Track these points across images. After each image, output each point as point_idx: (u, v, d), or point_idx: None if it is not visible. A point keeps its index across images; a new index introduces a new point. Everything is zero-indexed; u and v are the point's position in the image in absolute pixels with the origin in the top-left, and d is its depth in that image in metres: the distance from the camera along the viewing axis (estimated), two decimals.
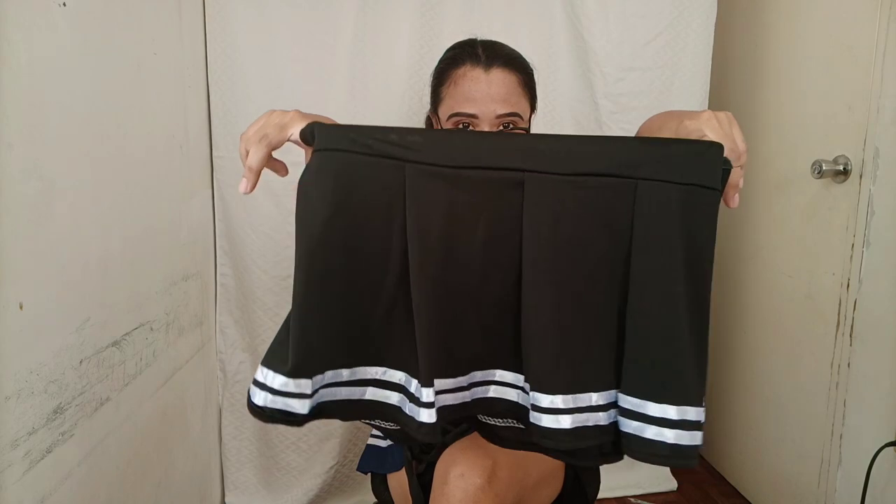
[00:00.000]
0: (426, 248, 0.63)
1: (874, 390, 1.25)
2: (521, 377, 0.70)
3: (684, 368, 0.61)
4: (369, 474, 1.09)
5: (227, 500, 1.55)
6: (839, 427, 1.32)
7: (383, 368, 0.69)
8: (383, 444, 1.06)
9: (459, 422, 0.84)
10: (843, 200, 1.31)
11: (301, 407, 0.65)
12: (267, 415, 0.66)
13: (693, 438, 0.61)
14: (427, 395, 0.65)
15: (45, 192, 0.79)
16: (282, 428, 1.53)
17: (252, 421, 1.54)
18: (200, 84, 1.37)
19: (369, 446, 1.09)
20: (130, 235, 1.02)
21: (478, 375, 0.71)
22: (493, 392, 0.72)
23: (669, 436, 0.61)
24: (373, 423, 0.74)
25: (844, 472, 1.31)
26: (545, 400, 0.65)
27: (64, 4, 0.82)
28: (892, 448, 1.19)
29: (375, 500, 1.10)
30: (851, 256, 1.29)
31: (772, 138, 1.55)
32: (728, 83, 1.70)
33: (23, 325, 0.74)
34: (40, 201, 0.78)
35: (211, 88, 1.39)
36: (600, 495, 1.09)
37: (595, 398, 0.65)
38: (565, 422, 0.64)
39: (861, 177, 1.26)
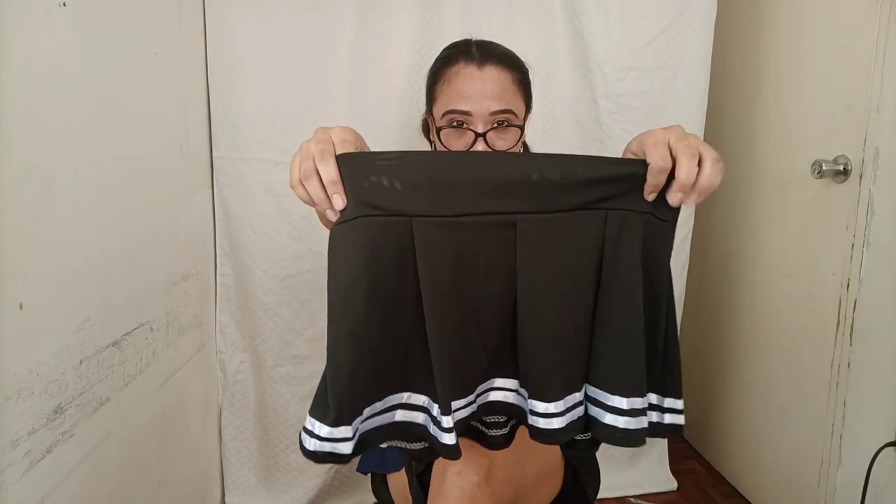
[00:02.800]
0: (436, 288, 0.70)
1: (874, 390, 1.25)
2: (517, 382, 0.78)
3: (638, 365, 0.72)
4: (369, 474, 1.09)
5: (227, 500, 1.55)
6: (839, 427, 1.32)
7: (408, 393, 0.75)
8: (383, 444, 1.06)
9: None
10: (843, 200, 1.31)
11: (346, 448, 0.70)
12: (318, 458, 0.72)
13: (640, 423, 0.71)
14: (447, 421, 0.71)
15: (45, 192, 0.79)
16: (282, 428, 1.53)
17: (252, 421, 1.54)
18: (200, 84, 1.37)
19: None
20: (130, 235, 1.02)
21: (482, 387, 0.77)
22: (494, 396, 0.78)
23: (621, 422, 0.72)
24: (404, 447, 0.79)
25: (844, 472, 1.31)
26: (541, 406, 0.73)
27: (64, 4, 0.82)
28: (892, 448, 1.19)
29: (375, 500, 1.10)
30: (851, 256, 1.29)
31: (772, 138, 1.55)
32: (728, 83, 1.70)
33: (23, 325, 0.74)
34: (40, 201, 0.78)
35: (211, 88, 1.39)
36: (600, 495, 1.09)
37: (578, 396, 0.75)
38: (558, 423, 0.73)
39: (861, 177, 1.26)
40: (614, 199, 0.71)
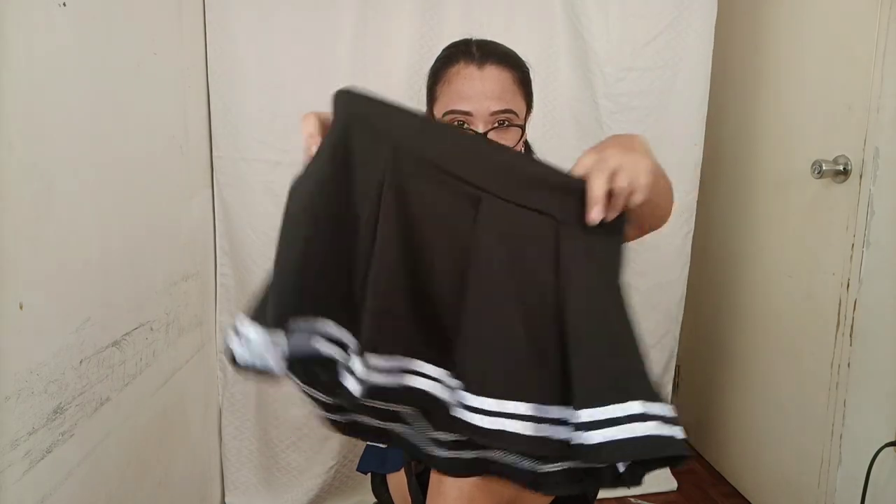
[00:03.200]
0: (395, 229, 0.70)
1: (874, 390, 1.25)
2: (444, 372, 0.73)
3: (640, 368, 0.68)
4: (369, 474, 1.09)
5: (227, 500, 1.55)
6: (839, 427, 1.32)
7: (332, 322, 0.72)
8: (383, 444, 1.06)
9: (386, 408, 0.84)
10: (843, 200, 1.31)
11: (275, 363, 0.70)
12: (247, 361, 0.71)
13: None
14: (359, 365, 0.68)
15: (45, 192, 0.79)
16: (282, 428, 1.53)
17: (252, 421, 1.54)
18: (200, 84, 1.37)
19: (369, 446, 1.09)
20: (130, 235, 1.02)
21: (406, 363, 0.73)
22: (416, 382, 0.73)
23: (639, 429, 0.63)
24: (307, 390, 0.77)
25: (844, 472, 1.31)
26: (475, 401, 0.67)
27: (64, 4, 0.82)
28: (892, 448, 1.19)
29: (375, 500, 1.10)
30: (851, 256, 1.29)
31: (772, 138, 1.55)
32: (728, 83, 1.70)
33: (23, 325, 0.74)
34: (40, 201, 0.78)
35: (211, 88, 1.39)
36: (600, 495, 1.09)
37: (523, 408, 0.67)
38: (485, 422, 0.67)
39: (861, 177, 1.26)
40: (564, 215, 0.70)
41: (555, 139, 1.51)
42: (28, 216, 0.76)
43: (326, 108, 0.70)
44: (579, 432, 0.64)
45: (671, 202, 0.91)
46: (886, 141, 1.21)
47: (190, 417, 1.34)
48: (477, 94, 0.91)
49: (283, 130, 1.41)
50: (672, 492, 1.69)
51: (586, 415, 0.64)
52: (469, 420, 0.67)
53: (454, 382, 0.71)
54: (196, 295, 1.35)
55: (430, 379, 0.73)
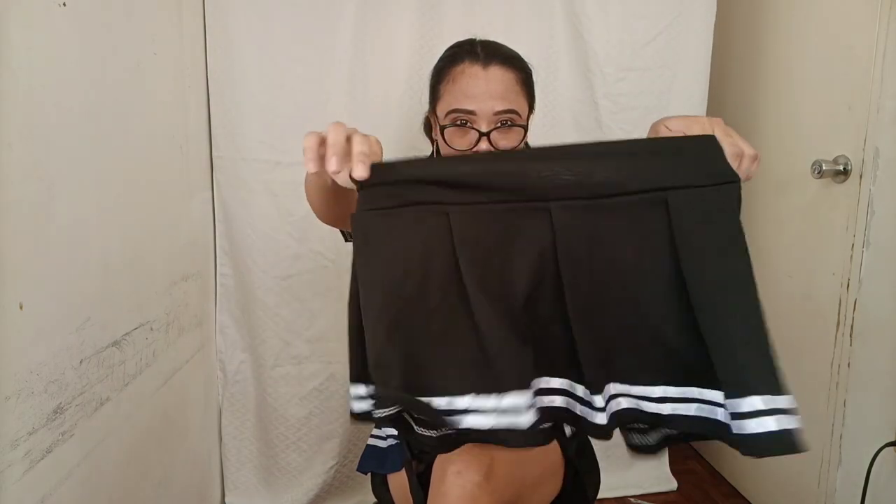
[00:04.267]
0: (478, 274, 0.70)
1: (874, 390, 1.25)
2: (566, 381, 0.75)
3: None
4: (369, 474, 1.09)
5: (227, 500, 1.55)
6: (839, 427, 1.32)
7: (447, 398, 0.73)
8: (383, 444, 1.06)
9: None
10: (843, 200, 1.31)
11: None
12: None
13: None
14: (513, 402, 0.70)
15: (45, 192, 0.79)
16: (282, 428, 1.53)
17: (252, 421, 1.54)
18: (200, 84, 1.37)
19: (369, 446, 1.09)
20: (130, 235, 1.02)
21: (535, 383, 0.75)
22: (555, 401, 0.76)
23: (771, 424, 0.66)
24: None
25: (844, 472, 1.31)
26: (598, 400, 0.71)
27: (64, 4, 0.82)
28: (892, 448, 1.19)
29: (375, 500, 1.10)
30: (851, 256, 1.29)
31: (772, 138, 1.55)
32: (728, 83, 1.70)
33: (23, 325, 0.74)
34: (40, 201, 0.78)
35: (211, 88, 1.39)
36: (600, 495, 1.09)
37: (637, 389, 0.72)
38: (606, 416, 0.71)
39: (861, 177, 1.26)
40: (671, 176, 0.67)
41: (554, 139, 1.51)
42: (28, 216, 0.76)
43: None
44: (739, 421, 0.67)
45: None
46: (886, 141, 1.21)
47: (190, 417, 1.34)
48: (481, 94, 0.92)
49: (283, 130, 1.41)
50: (672, 492, 1.69)
51: (748, 404, 0.67)
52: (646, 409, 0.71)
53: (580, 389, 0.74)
54: (196, 295, 1.35)
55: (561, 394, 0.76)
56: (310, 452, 1.54)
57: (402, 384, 0.70)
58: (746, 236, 0.68)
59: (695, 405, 0.71)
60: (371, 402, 0.72)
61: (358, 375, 0.72)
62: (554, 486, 1.00)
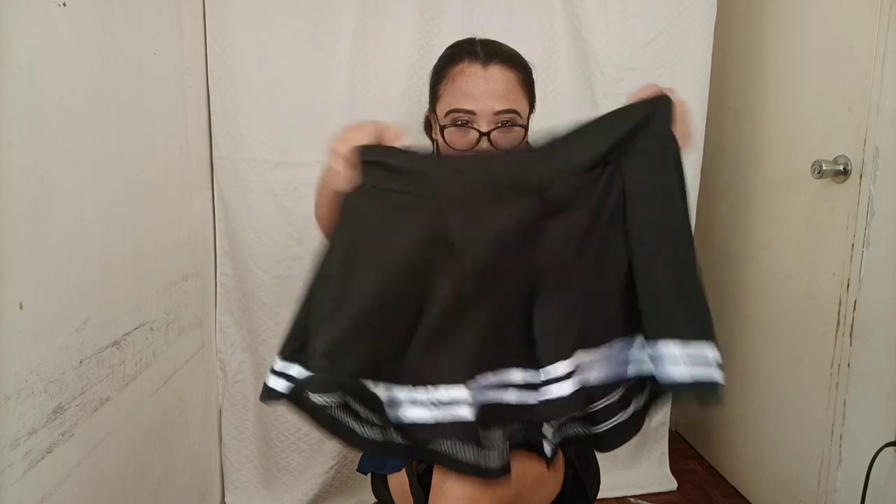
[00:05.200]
0: (447, 265, 0.75)
1: (874, 390, 1.25)
2: (529, 372, 0.78)
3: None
4: (369, 474, 1.09)
5: (227, 500, 1.55)
6: (839, 427, 1.32)
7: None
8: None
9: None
10: (843, 200, 1.31)
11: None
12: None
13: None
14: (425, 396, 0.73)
15: (45, 192, 0.79)
16: (282, 428, 1.53)
17: (252, 421, 1.54)
18: (200, 84, 1.37)
19: None
20: (130, 235, 1.02)
21: (491, 378, 0.77)
22: (507, 397, 0.79)
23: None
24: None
25: (844, 472, 1.31)
26: (557, 369, 0.74)
27: (64, 4, 0.82)
28: (892, 448, 1.19)
29: (375, 500, 1.10)
30: (851, 256, 1.29)
31: (772, 138, 1.55)
32: (728, 83, 1.70)
33: (23, 325, 0.74)
34: (40, 201, 0.78)
35: (211, 88, 1.38)
36: (600, 495, 1.09)
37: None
38: (566, 388, 0.74)
39: (861, 177, 1.26)
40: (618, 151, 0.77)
41: None
42: (28, 216, 0.76)
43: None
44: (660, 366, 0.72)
45: None
46: (886, 141, 1.21)
47: (190, 417, 1.34)
48: (481, 93, 0.92)
49: (283, 130, 1.41)
50: (672, 492, 1.69)
51: (664, 347, 0.73)
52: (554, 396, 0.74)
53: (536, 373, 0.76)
54: (196, 295, 1.35)
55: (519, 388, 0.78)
56: (310, 452, 1.54)
57: (356, 371, 0.73)
58: (687, 183, 0.79)
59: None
60: (289, 384, 0.74)
61: (291, 353, 0.76)
62: (554, 486, 1.00)
